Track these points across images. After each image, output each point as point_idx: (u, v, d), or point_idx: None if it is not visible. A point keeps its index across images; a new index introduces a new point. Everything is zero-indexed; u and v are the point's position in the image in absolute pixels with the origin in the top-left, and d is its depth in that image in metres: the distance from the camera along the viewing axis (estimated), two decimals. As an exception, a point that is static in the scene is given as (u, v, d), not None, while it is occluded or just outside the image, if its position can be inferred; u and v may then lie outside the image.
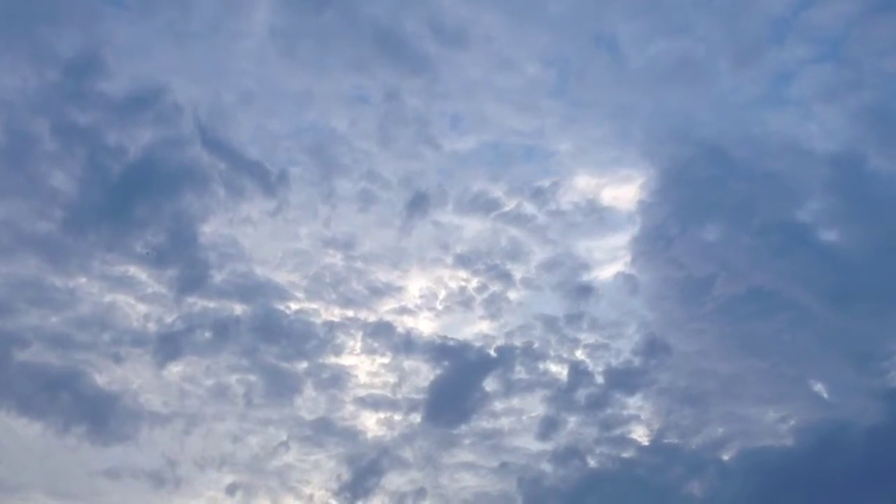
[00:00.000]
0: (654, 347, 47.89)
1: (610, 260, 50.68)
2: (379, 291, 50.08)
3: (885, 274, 45.93)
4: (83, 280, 47.21)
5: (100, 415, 45.52)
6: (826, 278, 46.77)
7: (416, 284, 50.79)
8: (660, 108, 50.87)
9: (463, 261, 50.70)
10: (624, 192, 51.14)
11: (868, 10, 48.59)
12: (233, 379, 47.71)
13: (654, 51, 50.79)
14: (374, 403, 48.69)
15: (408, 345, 49.03)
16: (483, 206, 50.77)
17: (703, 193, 49.05)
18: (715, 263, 48.64)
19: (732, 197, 48.72)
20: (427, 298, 50.49)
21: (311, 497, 46.78)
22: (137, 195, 47.25)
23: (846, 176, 47.63)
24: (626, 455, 46.54)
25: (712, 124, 49.94)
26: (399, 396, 48.68)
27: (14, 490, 44.72)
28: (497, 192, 51.02)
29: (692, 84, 50.51)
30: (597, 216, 50.91)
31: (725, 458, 45.44)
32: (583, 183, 51.36)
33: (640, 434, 47.11)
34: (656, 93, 50.93)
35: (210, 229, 48.40)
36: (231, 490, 45.90)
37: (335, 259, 50.17)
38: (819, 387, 46.34)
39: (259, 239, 49.41)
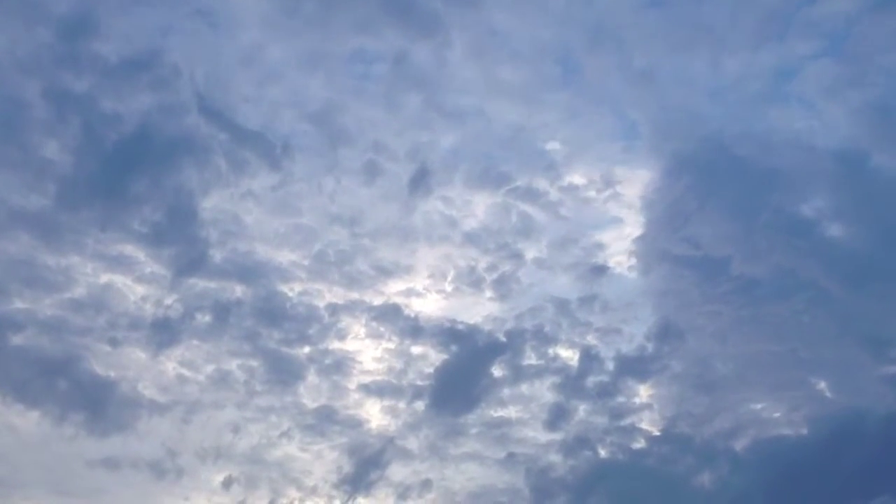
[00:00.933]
0: (667, 332, 46.65)
1: (623, 238, 49.26)
2: (385, 271, 48.55)
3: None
4: (77, 259, 45.48)
5: (97, 402, 44.31)
6: (832, 271, 45.85)
7: (422, 263, 49.13)
8: (664, 99, 49.95)
9: (472, 238, 48.99)
10: (633, 180, 49.81)
11: (869, 7, 47.72)
12: (233, 365, 46.43)
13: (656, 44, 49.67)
14: (378, 391, 47.46)
15: (414, 329, 47.64)
16: (494, 179, 49.02)
17: (708, 186, 48.17)
18: (730, 245, 47.43)
19: (735, 193, 47.91)
20: (435, 279, 48.82)
21: (313, 489, 45.71)
22: (134, 167, 45.07)
23: (849, 172, 46.69)
24: (636, 445, 45.62)
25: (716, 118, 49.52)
26: (404, 383, 47.48)
27: (13, 487, 43.96)
28: (508, 165, 49.31)
29: (695, 76, 50.00)
30: (611, 191, 49.38)
31: (738, 447, 44.41)
32: (592, 168, 50.02)
33: (651, 423, 46.19)
34: (659, 84, 49.89)
35: (211, 204, 46.53)
36: (231, 481, 44.80)
37: (340, 236, 48.50)
38: (834, 375, 45.17)
39: (261, 215, 47.59)
